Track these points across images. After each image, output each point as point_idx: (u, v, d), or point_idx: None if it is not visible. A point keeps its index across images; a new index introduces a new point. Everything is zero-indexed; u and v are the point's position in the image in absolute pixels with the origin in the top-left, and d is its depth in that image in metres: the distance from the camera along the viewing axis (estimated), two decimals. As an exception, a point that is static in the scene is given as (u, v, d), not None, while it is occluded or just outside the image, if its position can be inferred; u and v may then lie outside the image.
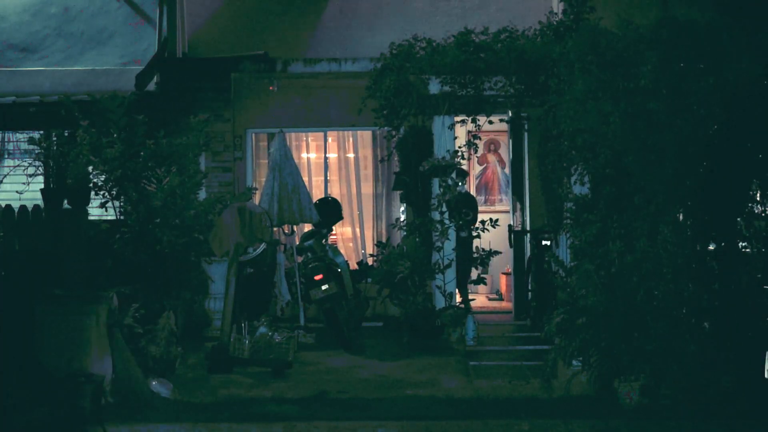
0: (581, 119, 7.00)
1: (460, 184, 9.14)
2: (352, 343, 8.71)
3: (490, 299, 11.84)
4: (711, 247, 6.91)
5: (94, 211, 7.90)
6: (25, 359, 6.41)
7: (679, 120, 6.62)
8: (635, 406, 6.54)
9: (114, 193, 7.98)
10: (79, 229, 7.11)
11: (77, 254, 7.04)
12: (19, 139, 9.84)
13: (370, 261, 10.34)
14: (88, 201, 7.51)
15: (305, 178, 10.42)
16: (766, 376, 6.47)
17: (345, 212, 10.64)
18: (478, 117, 9.05)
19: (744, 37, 6.72)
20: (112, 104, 7.84)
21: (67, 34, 10.43)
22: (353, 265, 10.05)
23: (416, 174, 9.14)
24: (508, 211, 10.64)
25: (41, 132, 8.24)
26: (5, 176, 8.17)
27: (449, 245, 9.04)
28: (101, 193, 7.97)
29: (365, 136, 10.96)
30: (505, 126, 10.32)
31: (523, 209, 10.23)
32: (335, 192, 10.87)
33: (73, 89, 9.35)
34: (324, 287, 8.70)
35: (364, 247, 10.90)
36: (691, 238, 6.84)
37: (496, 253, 9.43)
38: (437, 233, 8.95)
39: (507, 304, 10.93)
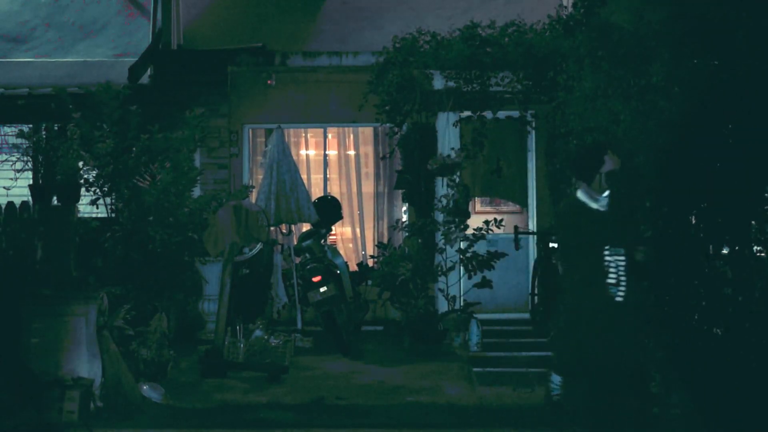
0: (590, 117, 6.89)
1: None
2: (350, 348, 8.63)
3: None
4: (724, 251, 6.76)
5: (85, 209, 7.84)
6: (11, 362, 6.36)
7: (691, 119, 6.46)
8: (645, 416, 6.40)
9: (105, 189, 7.94)
10: (68, 227, 7.02)
11: (66, 253, 6.96)
12: (7, 132, 9.76)
13: (370, 262, 10.27)
14: (78, 197, 7.40)
15: (304, 176, 10.33)
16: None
17: (345, 212, 10.56)
18: (483, 114, 8.96)
19: (760, 33, 6.56)
20: (106, 96, 7.79)
21: (58, 25, 10.45)
22: (353, 267, 9.99)
23: (419, 172, 9.08)
24: (513, 212, 10.59)
25: (30, 125, 8.25)
26: (-7, 171, 8.17)
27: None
28: (92, 189, 7.93)
29: (366, 132, 10.87)
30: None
31: (528, 210, 10.16)
32: (335, 190, 10.79)
33: (63, 81, 9.35)
34: (322, 289, 8.60)
35: (364, 248, 10.83)
36: (703, 241, 6.71)
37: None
38: (441, 234, 8.84)
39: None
